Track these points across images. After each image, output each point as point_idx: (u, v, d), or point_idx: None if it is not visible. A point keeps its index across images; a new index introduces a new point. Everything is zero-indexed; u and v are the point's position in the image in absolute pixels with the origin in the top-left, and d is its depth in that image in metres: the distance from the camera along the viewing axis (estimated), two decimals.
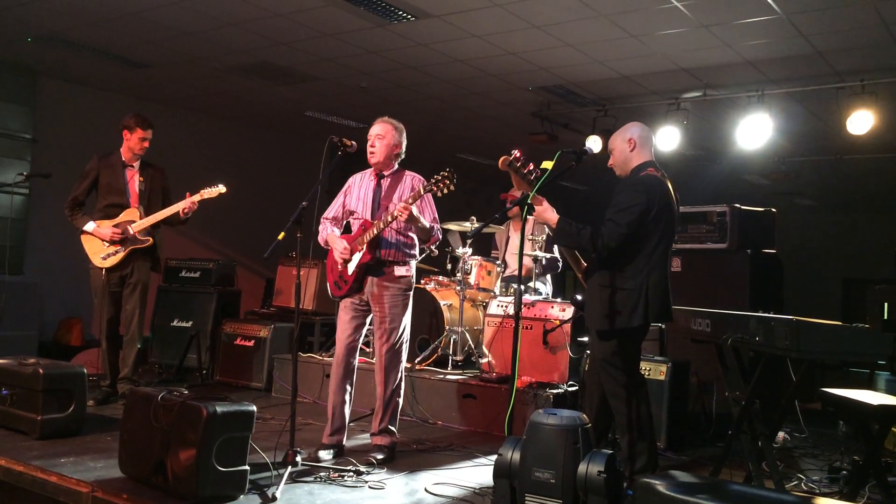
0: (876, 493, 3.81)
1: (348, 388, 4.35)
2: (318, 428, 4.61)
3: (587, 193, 13.15)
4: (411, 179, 4.37)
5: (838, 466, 4.39)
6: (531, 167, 3.79)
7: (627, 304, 3.66)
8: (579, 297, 4.11)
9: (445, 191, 4.03)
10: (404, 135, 4.39)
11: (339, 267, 4.34)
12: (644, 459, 3.71)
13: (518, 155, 3.81)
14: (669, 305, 3.78)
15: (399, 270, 4.29)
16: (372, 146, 4.29)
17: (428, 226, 4.26)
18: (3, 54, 7.64)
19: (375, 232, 4.16)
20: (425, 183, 4.11)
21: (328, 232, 4.39)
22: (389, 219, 4.11)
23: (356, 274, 4.26)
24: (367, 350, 5.73)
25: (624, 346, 3.74)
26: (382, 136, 4.29)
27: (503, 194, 5.06)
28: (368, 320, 4.42)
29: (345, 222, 4.50)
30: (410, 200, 4.07)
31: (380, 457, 4.18)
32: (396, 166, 4.41)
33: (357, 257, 4.25)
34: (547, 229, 4.07)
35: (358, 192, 4.40)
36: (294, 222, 3.97)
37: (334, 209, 4.48)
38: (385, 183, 4.35)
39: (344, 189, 4.48)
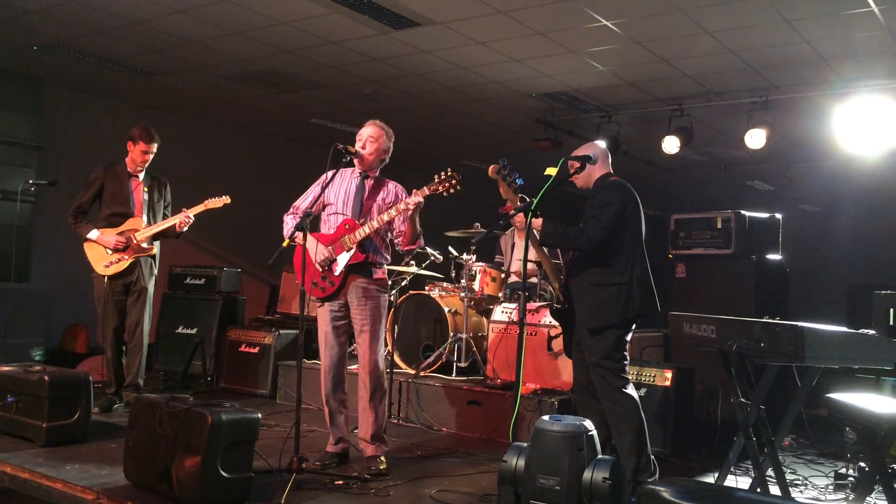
0: (883, 500, 3.79)
1: (343, 397, 4.33)
2: (322, 435, 4.61)
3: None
4: (394, 187, 4.35)
5: (844, 473, 4.37)
6: (516, 176, 3.96)
7: (620, 298, 3.85)
8: (558, 307, 4.17)
9: (452, 190, 4.02)
10: (392, 141, 4.37)
11: (321, 269, 4.22)
12: (644, 459, 3.79)
13: (505, 163, 3.95)
14: (655, 296, 3.97)
15: (379, 272, 4.27)
16: (363, 147, 4.25)
17: (419, 229, 4.24)
18: (10, 62, 7.68)
19: (368, 231, 4.10)
20: (432, 183, 4.05)
21: (298, 234, 4.04)
22: (394, 212, 4.06)
23: (343, 274, 4.20)
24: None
25: (618, 341, 3.87)
26: (375, 139, 4.27)
27: (502, 209, 5.05)
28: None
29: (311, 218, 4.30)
30: (428, 191, 4.02)
31: (382, 467, 4.13)
32: (378, 171, 4.38)
33: (345, 257, 4.16)
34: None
35: (339, 186, 4.30)
36: (298, 229, 3.98)
37: (308, 200, 4.30)
38: (368, 184, 4.31)
39: (321, 181, 4.26)
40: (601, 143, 4.22)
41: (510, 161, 3.93)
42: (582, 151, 4.09)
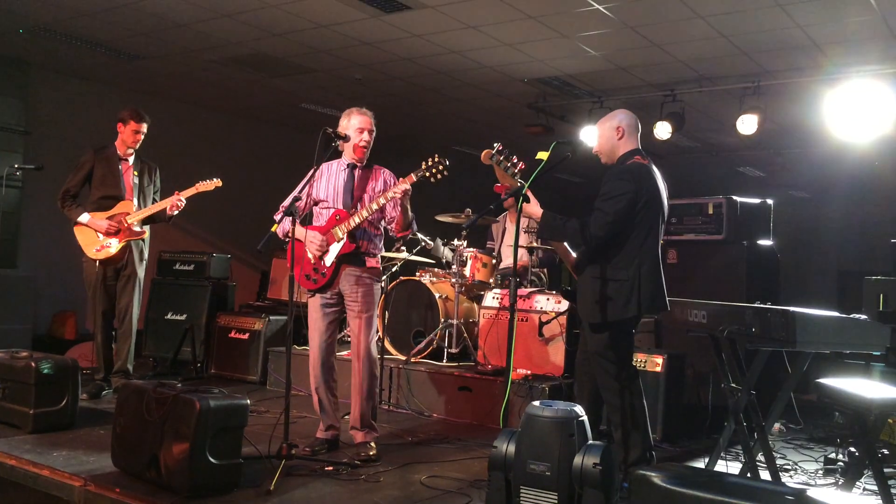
0: (872, 485, 3.81)
1: (332, 384, 4.31)
2: (312, 421, 4.60)
3: (582, 185, 13.14)
4: (383, 173, 4.34)
5: (834, 458, 4.39)
6: (514, 160, 3.74)
7: (621, 295, 3.63)
8: (569, 289, 4.08)
9: (439, 176, 3.98)
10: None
11: (313, 259, 4.21)
12: (639, 451, 3.71)
13: (500, 148, 3.75)
14: (664, 295, 3.76)
15: (371, 261, 4.26)
16: (364, 136, 4.25)
17: (411, 214, 4.22)
18: None
19: (358, 221, 4.09)
20: (419, 169, 4.01)
21: (288, 223, 4.05)
22: (383, 201, 4.05)
23: (334, 265, 4.18)
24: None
25: (617, 337, 3.71)
26: (372, 130, 4.29)
27: (497, 186, 5.02)
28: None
29: (304, 213, 4.31)
30: (415, 178, 3.99)
31: (372, 454, 4.12)
32: (366, 159, 4.36)
33: (336, 248, 4.15)
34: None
35: (328, 181, 4.29)
36: (287, 214, 3.95)
37: (296, 191, 4.21)
38: (358, 174, 4.29)
39: (309, 177, 4.23)
40: (628, 113, 3.94)
41: (505, 146, 3.85)
42: (611, 119, 3.89)
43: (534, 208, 3.71)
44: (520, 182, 3.72)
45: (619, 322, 3.68)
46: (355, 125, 4.26)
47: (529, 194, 3.69)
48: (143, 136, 5.49)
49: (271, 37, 6.88)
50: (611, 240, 3.65)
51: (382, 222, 4.32)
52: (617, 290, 3.63)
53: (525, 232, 6.07)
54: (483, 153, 3.78)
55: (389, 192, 4.06)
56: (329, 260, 4.18)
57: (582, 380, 4.04)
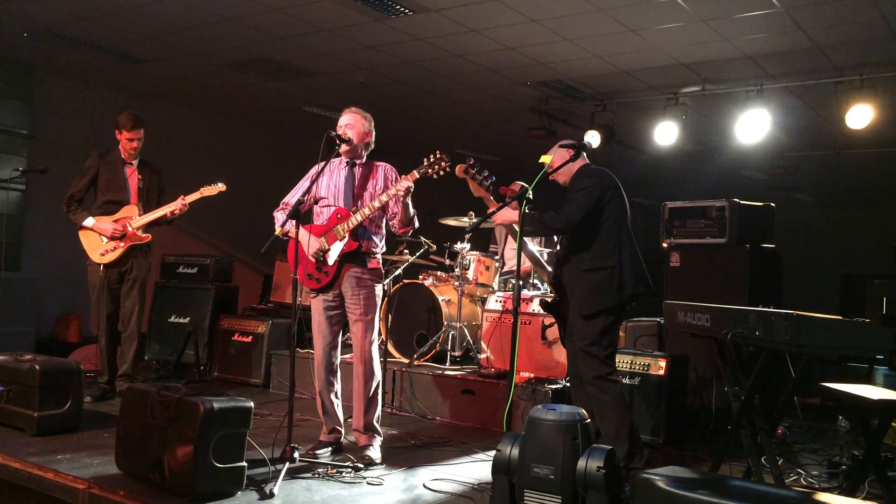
0: (876, 488, 3.80)
1: (335, 386, 4.32)
2: (315, 424, 4.60)
3: None
4: (383, 169, 4.33)
5: (838, 461, 4.38)
6: (486, 173, 4.03)
7: (613, 281, 3.92)
8: (549, 301, 4.22)
9: (441, 173, 4.01)
10: (372, 124, 4.36)
11: (315, 260, 4.20)
12: (630, 445, 3.81)
13: (472, 162, 4.04)
14: (647, 276, 4.03)
15: (373, 262, 4.26)
16: (344, 136, 4.23)
17: (412, 210, 4.23)
18: (0, 49, 7.60)
19: (359, 219, 4.09)
20: (421, 166, 4.04)
21: (291, 225, 4.07)
22: (385, 198, 4.06)
23: (337, 264, 4.18)
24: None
25: (608, 326, 3.92)
26: (353, 125, 4.26)
27: (502, 188, 5.03)
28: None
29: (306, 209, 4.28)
30: (417, 175, 4.02)
31: (375, 456, 4.12)
32: (366, 156, 4.36)
33: (338, 247, 4.15)
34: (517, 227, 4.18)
35: (329, 178, 4.29)
36: (291, 217, 3.96)
37: (298, 194, 4.24)
38: (358, 172, 4.29)
39: (311, 174, 4.26)
40: (568, 140, 4.27)
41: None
42: (554, 148, 4.12)
43: (508, 213, 3.99)
44: (522, 189, 3.84)
45: (613, 308, 3.92)
46: (339, 124, 4.29)
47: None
48: (140, 143, 5.49)
49: (274, 40, 6.89)
50: (588, 234, 3.94)
51: (384, 219, 4.32)
52: (609, 277, 3.92)
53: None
54: (457, 168, 4.03)
55: (391, 189, 4.07)
56: (332, 259, 4.18)
57: (580, 391, 4.07)
